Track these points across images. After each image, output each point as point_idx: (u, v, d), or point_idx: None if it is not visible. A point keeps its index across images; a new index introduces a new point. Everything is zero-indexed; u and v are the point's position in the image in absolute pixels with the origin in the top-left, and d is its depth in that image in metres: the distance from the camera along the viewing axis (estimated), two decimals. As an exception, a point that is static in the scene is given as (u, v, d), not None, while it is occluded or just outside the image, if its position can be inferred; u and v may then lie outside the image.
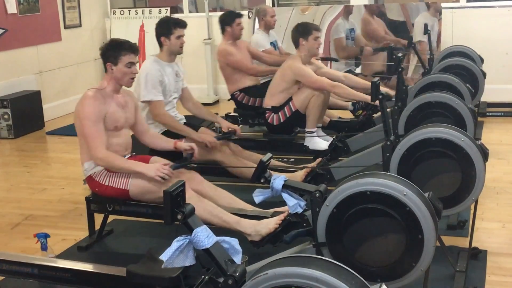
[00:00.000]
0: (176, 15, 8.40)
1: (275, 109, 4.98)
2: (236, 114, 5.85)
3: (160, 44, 4.34)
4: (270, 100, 5.03)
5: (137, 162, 3.49)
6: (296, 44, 4.96)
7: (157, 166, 3.40)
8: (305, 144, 4.86)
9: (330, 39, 7.62)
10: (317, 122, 4.89)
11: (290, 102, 4.91)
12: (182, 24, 4.34)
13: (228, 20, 5.72)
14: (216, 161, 4.23)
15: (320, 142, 4.82)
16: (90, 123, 3.39)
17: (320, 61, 5.96)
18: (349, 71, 7.14)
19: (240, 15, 5.76)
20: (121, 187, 3.46)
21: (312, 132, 4.83)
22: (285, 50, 6.54)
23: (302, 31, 4.89)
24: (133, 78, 3.57)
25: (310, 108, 4.83)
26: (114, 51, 3.50)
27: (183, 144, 3.80)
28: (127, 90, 3.72)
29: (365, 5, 7.57)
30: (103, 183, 3.50)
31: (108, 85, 3.55)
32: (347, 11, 7.55)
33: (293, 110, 4.89)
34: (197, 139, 4.16)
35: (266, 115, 5.05)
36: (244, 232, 3.29)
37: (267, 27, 6.33)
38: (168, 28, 4.29)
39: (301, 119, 4.90)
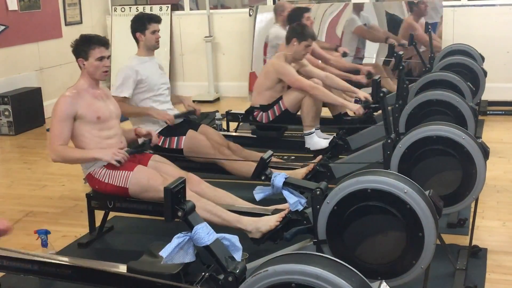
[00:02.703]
0: (177, 13, 8.41)
1: (264, 108, 4.97)
2: (237, 112, 5.84)
3: (137, 40, 4.38)
4: (258, 98, 5.02)
5: (92, 149, 3.48)
6: (288, 41, 4.90)
7: (113, 151, 3.44)
8: (306, 146, 4.83)
9: (342, 34, 7.60)
10: (313, 122, 4.85)
11: (280, 101, 4.89)
12: (156, 19, 4.38)
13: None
14: (215, 162, 4.22)
15: (319, 141, 4.80)
16: (55, 121, 3.45)
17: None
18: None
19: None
20: (120, 185, 3.46)
21: (310, 133, 4.81)
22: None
23: (299, 33, 4.85)
24: (105, 72, 3.59)
25: (304, 110, 4.82)
26: (84, 46, 3.54)
27: (141, 130, 3.84)
28: (103, 86, 3.76)
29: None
30: (102, 180, 3.50)
31: (83, 81, 3.60)
32: (358, 8, 7.52)
33: (283, 109, 4.88)
34: (156, 116, 4.23)
35: (255, 113, 5.03)
36: (245, 229, 3.29)
37: (285, 22, 6.32)
38: (142, 24, 4.33)
39: (291, 118, 4.90)
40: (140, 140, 3.92)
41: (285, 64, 4.86)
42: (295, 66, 4.98)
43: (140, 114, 4.27)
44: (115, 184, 3.47)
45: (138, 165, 3.51)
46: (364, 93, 4.91)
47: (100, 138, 3.51)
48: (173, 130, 4.25)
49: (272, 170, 2.98)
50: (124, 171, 3.46)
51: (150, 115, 4.22)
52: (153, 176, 3.44)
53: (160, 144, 4.13)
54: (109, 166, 3.49)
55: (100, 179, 3.51)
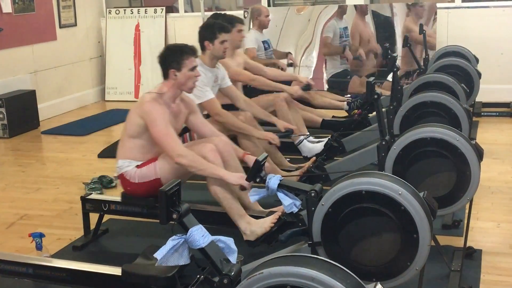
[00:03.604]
0: (172, 15, 8.41)
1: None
2: None
3: (203, 48, 4.26)
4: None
5: (220, 168, 3.33)
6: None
7: (238, 176, 3.23)
8: (303, 155, 4.80)
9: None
10: (299, 131, 4.79)
11: None
12: (227, 30, 4.27)
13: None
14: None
15: (314, 146, 4.77)
16: (163, 123, 3.27)
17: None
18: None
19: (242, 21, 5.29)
20: (152, 178, 3.35)
21: (300, 141, 4.78)
22: (277, 49, 6.52)
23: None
24: (195, 82, 3.47)
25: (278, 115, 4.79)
26: (176, 56, 3.39)
27: (252, 159, 3.45)
28: (184, 95, 3.57)
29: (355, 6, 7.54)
30: (133, 181, 3.39)
31: (168, 91, 3.42)
32: (341, 11, 7.52)
33: None
34: (260, 137, 4.19)
35: None
36: (241, 229, 3.30)
37: (261, 26, 6.33)
38: (212, 33, 4.21)
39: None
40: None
41: (226, 59, 4.63)
42: (239, 60, 4.94)
43: (242, 129, 4.17)
44: (147, 180, 3.36)
45: (161, 154, 3.42)
46: (305, 77, 4.96)
47: (152, 153, 3.41)
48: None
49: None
50: (149, 164, 3.37)
51: (254, 136, 4.17)
52: None
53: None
54: (139, 165, 3.40)
55: (132, 181, 3.40)
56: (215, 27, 4.24)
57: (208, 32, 4.24)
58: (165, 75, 3.42)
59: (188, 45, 3.47)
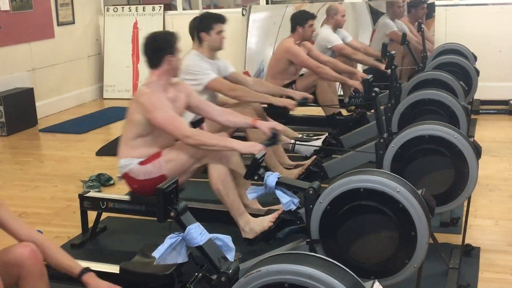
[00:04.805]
0: (170, 13, 8.40)
1: None
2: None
3: (200, 40, 4.28)
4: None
5: (230, 139, 3.36)
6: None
7: (250, 144, 3.30)
8: (302, 155, 4.79)
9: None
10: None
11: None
12: (222, 20, 4.30)
13: (302, 20, 5.52)
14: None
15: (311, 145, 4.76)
16: (164, 108, 3.26)
17: None
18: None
19: (314, 16, 5.61)
20: (157, 175, 3.32)
21: (293, 147, 4.75)
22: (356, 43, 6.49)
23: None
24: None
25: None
26: (170, 42, 3.44)
27: (264, 124, 3.55)
28: (177, 80, 3.58)
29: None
30: (139, 179, 3.37)
31: (159, 79, 3.41)
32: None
33: None
34: (277, 103, 4.30)
35: None
36: (240, 226, 3.30)
37: (337, 25, 6.22)
38: (208, 24, 4.25)
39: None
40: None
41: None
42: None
43: (258, 99, 4.30)
44: (152, 177, 3.34)
45: (164, 150, 3.41)
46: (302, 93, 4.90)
47: (158, 143, 3.39)
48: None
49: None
50: (153, 161, 3.35)
51: (271, 103, 4.35)
52: (180, 149, 3.35)
53: None
54: (142, 162, 3.38)
55: (137, 178, 3.37)
56: (211, 18, 4.30)
57: (204, 24, 4.28)
58: (157, 64, 3.42)
59: (169, 31, 3.52)
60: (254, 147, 3.19)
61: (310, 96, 4.61)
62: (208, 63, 4.25)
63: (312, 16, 5.53)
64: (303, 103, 4.59)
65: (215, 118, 3.66)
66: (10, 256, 2.42)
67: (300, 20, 5.48)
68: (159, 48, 3.42)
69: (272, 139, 3.46)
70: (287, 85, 5.28)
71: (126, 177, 3.43)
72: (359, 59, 6.12)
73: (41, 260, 2.46)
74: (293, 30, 5.47)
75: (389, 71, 4.65)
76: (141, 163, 3.37)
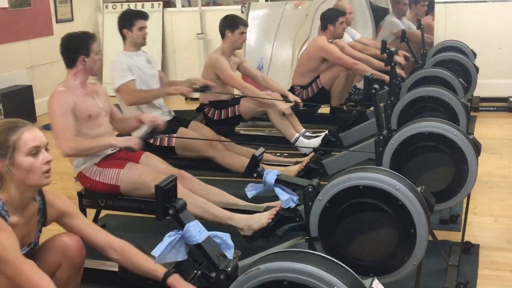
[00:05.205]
0: (169, 10, 8.38)
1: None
2: None
3: (124, 37, 4.37)
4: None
5: (106, 137, 3.45)
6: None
7: (127, 138, 3.47)
8: (301, 151, 4.78)
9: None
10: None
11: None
12: (143, 16, 4.37)
13: (332, 18, 5.61)
14: (208, 157, 4.20)
15: (311, 142, 4.76)
16: (57, 115, 3.36)
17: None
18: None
19: (344, 14, 5.70)
20: (112, 183, 3.44)
21: (296, 139, 4.76)
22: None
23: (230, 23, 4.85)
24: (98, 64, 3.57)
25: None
26: (83, 42, 3.52)
27: (147, 116, 3.72)
28: (93, 81, 3.71)
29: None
30: (94, 178, 3.48)
31: (75, 78, 3.54)
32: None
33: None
34: (173, 92, 4.34)
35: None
36: (236, 226, 3.28)
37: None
38: (129, 20, 4.31)
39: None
40: (143, 128, 3.79)
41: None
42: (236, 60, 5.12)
43: (155, 96, 4.27)
44: (107, 182, 3.45)
45: (129, 162, 3.50)
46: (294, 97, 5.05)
47: (91, 137, 3.46)
48: (177, 123, 4.25)
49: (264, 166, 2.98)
50: (115, 169, 3.45)
51: (168, 93, 4.40)
52: (145, 173, 3.43)
53: (151, 142, 4.11)
54: (100, 164, 3.48)
55: (91, 178, 3.49)
56: (132, 15, 4.37)
57: (125, 20, 4.35)
58: (71, 64, 3.54)
59: (86, 31, 3.64)
60: (130, 141, 3.36)
61: (212, 83, 4.59)
62: (134, 55, 4.32)
63: (342, 14, 5.67)
64: (201, 90, 4.58)
65: (113, 125, 3.76)
66: (55, 244, 2.49)
67: (331, 18, 5.61)
68: (72, 49, 3.52)
69: (150, 133, 3.63)
70: (311, 82, 5.55)
71: (80, 176, 3.55)
72: (372, 54, 6.09)
73: (83, 253, 2.53)
74: (324, 28, 5.62)
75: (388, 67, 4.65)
76: (99, 164, 3.48)
